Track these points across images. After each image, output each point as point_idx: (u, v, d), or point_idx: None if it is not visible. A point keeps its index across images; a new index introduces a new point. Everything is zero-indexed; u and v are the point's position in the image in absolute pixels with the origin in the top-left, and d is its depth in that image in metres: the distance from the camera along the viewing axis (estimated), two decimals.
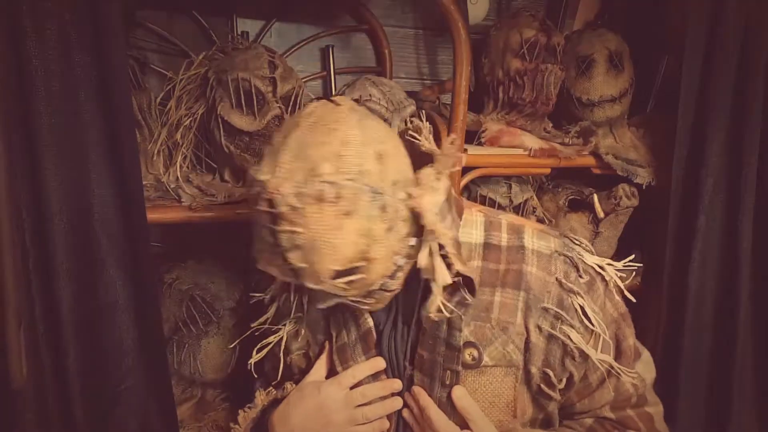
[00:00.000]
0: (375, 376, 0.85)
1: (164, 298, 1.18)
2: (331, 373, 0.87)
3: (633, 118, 1.44)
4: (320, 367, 0.88)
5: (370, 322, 0.84)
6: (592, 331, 0.80)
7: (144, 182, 1.00)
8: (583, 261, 0.82)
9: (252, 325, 0.93)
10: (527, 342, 0.79)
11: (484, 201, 1.31)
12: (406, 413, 0.85)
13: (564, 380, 0.81)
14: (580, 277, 0.81)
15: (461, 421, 0.80)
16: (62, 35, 0.83)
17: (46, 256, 0.86)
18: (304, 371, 0.91)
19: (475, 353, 0.79)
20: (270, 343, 0.90)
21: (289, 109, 1.07)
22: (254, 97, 1.04)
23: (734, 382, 1.26)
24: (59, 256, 0.87)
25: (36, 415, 0.84)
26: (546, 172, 1.35)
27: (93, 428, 0.92)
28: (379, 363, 0.84)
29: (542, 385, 0.80)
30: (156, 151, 1.14)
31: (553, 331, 0.79)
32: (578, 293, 0.80)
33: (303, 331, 0.89)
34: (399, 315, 0.84)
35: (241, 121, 1.05)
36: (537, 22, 1.31)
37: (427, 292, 0.75)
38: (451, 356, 0.80)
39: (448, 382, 0.80)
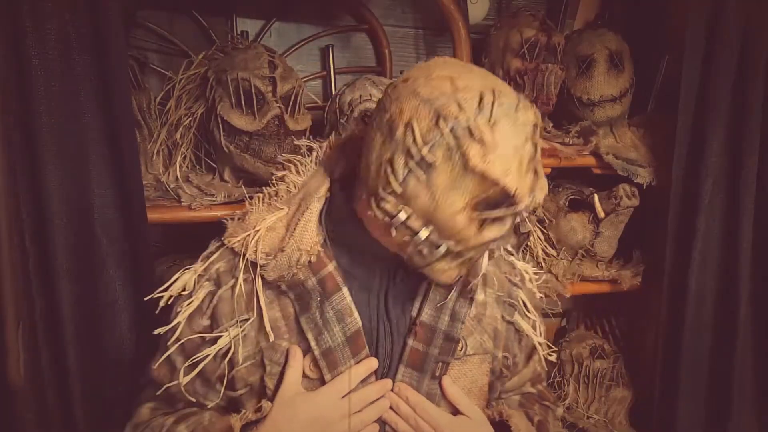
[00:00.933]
0: (365, 378, 0.80)
1: None
2: (313, 380, 0.79)
3: (633, 118, 1.44)
4: (294, 376, 0.78)
5: (359, 321, 0.79)
6: (530, 318, 0.93)
7: (144, 182, 1.00)
8: (515, 265, 0.95)
9: (155, 332, 0.80)
10: (495, 330, 0.88)
11: None
12: (388, 413, 0.80)
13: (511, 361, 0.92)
14: (516, 276, 0.93)
15: (449, 410, 0.82)
16: (62, 35, 0.84)
17: (46, 256, 0.86)
18: (256, 386, 0.80)
19: (462, 344, 0.84)
20: (208, 356, 0.77)
21: (289, 108, 1.07)
22: (254, 97, 1.04)
23: (734, 382, 1.26)
24: (59, 256, 0.87)
25: (36, 415, 0.84)
26: (546, 172, 1.35)
27: (93, 428, 0.92)
28: (373, 363, 0.79)
29: (503, 369, 0.89)
30: (156, 151, 1.14)
31: (510, 319, 0.90)
32: (521, 288, 0.93)
33: (253, 336, 0.79)
34: (391, 310, 0.81)
35: (240, 120, 1.05)
36: (537, 22, 1.31)
37: (429, 285, 0.80)
38: (447, 348, 0.81)
39: (437, 374, 0.81)
